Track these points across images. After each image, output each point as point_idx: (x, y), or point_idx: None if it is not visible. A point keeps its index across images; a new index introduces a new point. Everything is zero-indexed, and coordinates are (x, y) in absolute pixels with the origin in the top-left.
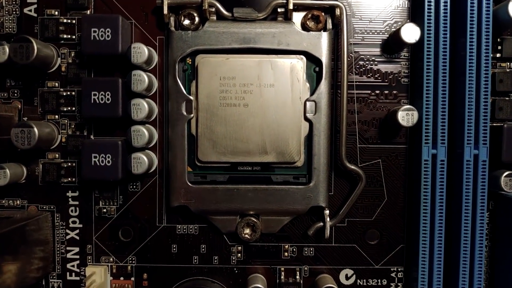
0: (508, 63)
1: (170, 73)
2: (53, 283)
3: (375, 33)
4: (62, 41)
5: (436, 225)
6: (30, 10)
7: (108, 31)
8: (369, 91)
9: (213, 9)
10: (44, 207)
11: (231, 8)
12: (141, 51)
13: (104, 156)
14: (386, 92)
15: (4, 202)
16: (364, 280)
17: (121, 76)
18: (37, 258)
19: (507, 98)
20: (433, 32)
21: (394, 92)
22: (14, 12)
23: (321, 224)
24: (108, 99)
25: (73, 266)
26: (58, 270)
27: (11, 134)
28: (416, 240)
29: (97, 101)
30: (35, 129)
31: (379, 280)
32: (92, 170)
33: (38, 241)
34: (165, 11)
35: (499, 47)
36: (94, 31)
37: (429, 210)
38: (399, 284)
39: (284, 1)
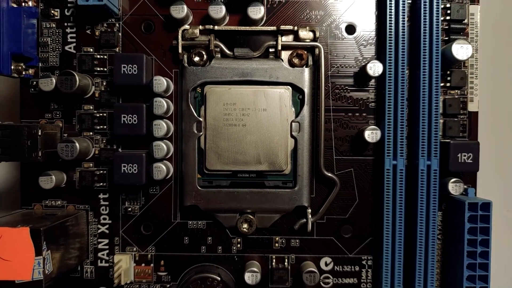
0: (457, 91)
1: (184, 99)
2: (86, 268)
3: (348, 67)
4: (96, 73)
5: (397, 222)
6: (70, 48)
7: (135, 67)
8: (343, 113)
9: (218, 49)
10: (80, 207)
11: (233, 48)
12: (160, 83)
13: (131, 165)
14: (357, 114)
15: (48, 202)
16: (340, 266)
17: (144, 101)
18: (75, 248)
19: (455, 119)
20: (393, 66)
21: (364, 114)
22: (57, 49)
23: (305, 220)
24: (135, 121)
25: (103, 254)
26: (91, 258)
27: (57, 148)
28: (381, 234)
29: (126, 122)
30: (77, 144)
31: (352, 267)
32: (121, 176)
33: (75, 234)
34: (180, 50)
35: (449, 78)
36: (124, 67)
37: (391, 209)
38: (368, 270)
39: (274, 43)
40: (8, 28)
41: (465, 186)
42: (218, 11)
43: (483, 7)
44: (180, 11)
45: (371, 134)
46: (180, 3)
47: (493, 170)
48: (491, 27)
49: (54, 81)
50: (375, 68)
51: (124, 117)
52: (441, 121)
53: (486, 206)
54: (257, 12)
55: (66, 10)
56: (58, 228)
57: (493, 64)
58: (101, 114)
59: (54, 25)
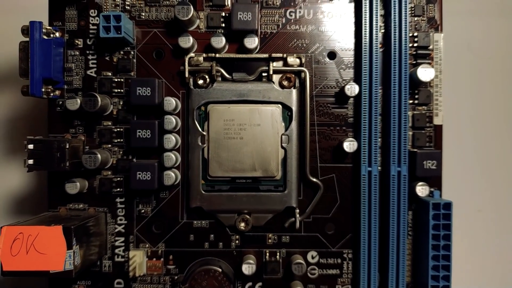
0: (423, 107)
1: (190, 116)
2: (105, 263)
3: (330, 88)
4: (114, 93)
5: (372, 220)
6: (91, 72)
7: (148, 89)
8: (326, 127)
9: (219, 73)
10: (100, 209)
11: (231, 72)
12: (170, 103)
13: (145, 173)
14: (338, 128)
15: (71, 206)
16: (324, 259)
17: (156, 117)
18: (95, 245)
19: (422, 131)
20: (368, 87)
21: (343, 128)
22: (80, 73)
23: (293, 219)
24: (148, 135)
25: (120, 251)
26: (109, 254)
27: (82, 159)
28: (359, 230)
29: (141, 136)
30: (99, 155)
31: (335, 259)
32: (137, 182)
33: (95, 233)
34: (186, 74)
35: (417, 96)
36: (139, 89)
37: (367, 209)
38: (349, 262)
39: (267, 68)
40: (40, 57)
41: (432, 189)
42: (219, 41)
43: (446, 35)
44: (187, 41)
45: (349, 145)
46: (186, 35)
47: (461, 174)
48: (453, 51)
49: (79, 101)
50: (352, 89)
51: (139, 132)
52: (410, 133)
53: (448, 205)
54: (252, 42)
55: (88, 40)
56: (83, 227)
57: (455, 83)
58: (118, 129)
59: (77, 53)
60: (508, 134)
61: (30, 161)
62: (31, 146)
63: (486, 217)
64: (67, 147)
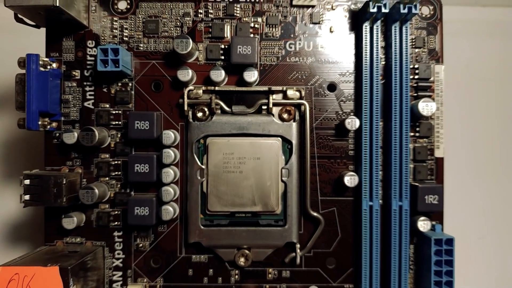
0: (425, 139)
1: (189, 149)
2: None
3: (330, 120)
4: (111, 126)
5: (374, 254)
6: (89, 104)
7: (146, 123)
8: (326, 160)
9: (218, 106)
10: (97, 243)
11: (231, 105)
12: (169, 136)
13: (143, 208)
14: (338, 160)
15: (68, 239)
16: None
17: (154, 150)
18: (93, 280)
19: (424, 164)
20: (369, 120)
21: (344, 160)
22: (78, 105)
23: (294, 254)
24: (146, 169)
25: (117, 285)
26: None
27: (79, 194)
28: (360, 265)
29: (139, 170)
30: (96, 190)
31: None
32: (134, 218)
33: (93, 268)
34: (185, 108)
35: (418, 128)
36: (137, 123)
37: (368, 244)
38: None
39: (266, 101)
40: (36, 90)
41: (433, 223)
42: (218, 75)
43: (447, 66)
44: (185, 75)
45: (350, 180)
46: (185, 68)
47: (461, 202)
48: (454, 82)
49: (76, 135)
50: (352, 123)
51: (137, 166)
52: (411, 166)
53: (450, 241)
54: (251, 76)
55: (85, 71)
56: (80, 264)
57: (456, 115)
58: (116, 162)
59: (75, 84)
60: (507, 166)
61: (27, 197)
62: (27, 181)
63: (487, 244)
64: (64, 182)
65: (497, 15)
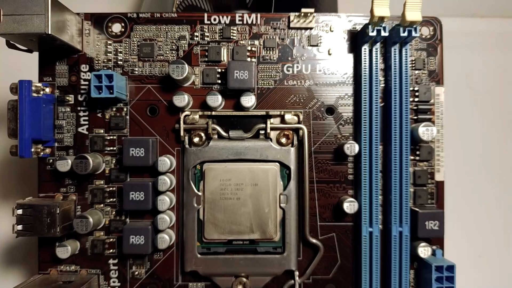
0: (425, 163)
1: (185, 176)
2: None
3: (329, 144)
4: (106, 151)
5: (374, 280)
6: (83, 129)
7: (142, 150)
8: (325, 184)
9: (215, 131)
10: (92, 271)
11: (228, 130)
12: (164, 163)
13: (139, 236)
14: (337, 185)
15: (62, 268)
16: None
17: (150, 176)
18: None
19: (424, 188)
20: (368, 144)
21: (343, 185)
22: (72, 131)
23: (293, 282)
24: (142, 197)
25: None
26: None
27: (73, 223)
28: None
29: (134, 198)
30: (90, 219)
31: None
32: (130, 247)
33: None
34: (182, 133)
35: (418, 152)
36: (132, 150)
37: (368, 270)
38: None
39: (264, 125)
40: (29, 117)
41: (434, 247)
42: (215, 100)
43: (447, 88)
44: (181, 100)
45: (350, 206)
46: (181, 93)
47: (460, 221)
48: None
49: (70, 162)
50: (351, 148)
51: (132, 194)
52: (412, 190)
53: (451, 268)
54: (248, 101)
55: (79, 96)
56: None
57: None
58: (111, 189)
59: (68, 109)
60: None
61: (19, 227)
62: (20, 211)
63: (487, 262)
64: (58, 212)
65: (496, 26)
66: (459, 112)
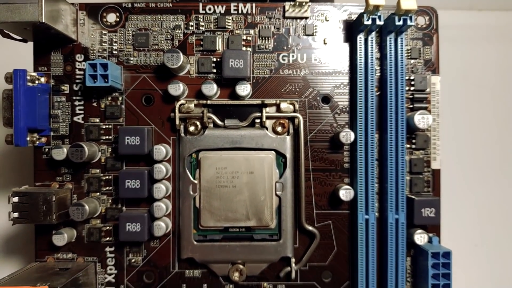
0: (421, 151)
1: (181, 164)
2: None
3: (324, 133)
4: (102, 140)
5: (370, 268)
6: (78, 119)
7: (137, 138)
8: (321, 173)
9: (211, 120)
10: (89, 259)
11: (224, 119)
12: (160, 151)
13: (135, 224)
14: (333, 173)
15: (59, 255)
16: None
17: (146, 164)
18: None
19: (420, 176)
20: (364, 132)
21: (339, 173)
22: (67, 120)
23: (289, 268)
24: (138, 185)
25: None
26: None
27: (69, 210)
28: (357, 278)
29: (130, 186)
30: (86, 207)
31: None
32: (126, 234)
33: (85, 284)
34: (177, 122)
35: (414, 140)
36: (128, 138)
37: (365, 257)
38: None
39: (260, 114)
40: (24, 106)
41: (430, 235)
42: (210, 89)
43: (444, 81)
44: (176, 89)
45: (345, 193)
46: (176, 82)
47: (457, 209)
48: (451, 90)
49: (65, 151)
50: (347, 136)
51: (128, 182)
52: (408, 178)
53: (447, 254)
54: (244, 89)
55: (74, 85)
56: (71, 282)
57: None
58: (107, 177)
59: (64, 99)
60: (504, 177)
61: (15, 214)
62: (15, 199)
63: (483, 251)
64: (54, 199)
65: (493, 19)
66: (455, 102)
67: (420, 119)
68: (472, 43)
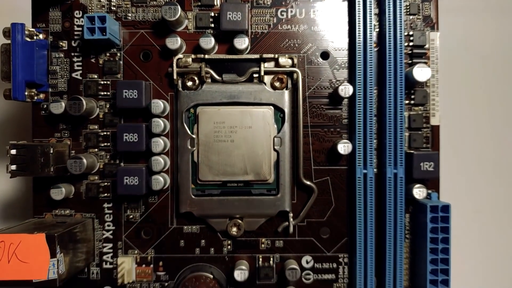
0: (420, 107)
1: (179, 119)
2: (93, 270)
3: (323, 88)
4: (100, 96)
5: (368, 223)
6: (77, 75)
7: (135, 92)
8: (319, 129)
9: (208, 75)
10: (87, 215)
11: (221, 74)
12: (158, 105)
13: (133, 178)
14: (332, 129)
15: (57, 212)
16: (320, 264)
17: (144, 120)
18: (82, 252)
19: (419, 132)
20: (362, 88)
21: (338, 129)
22: (65, 76)
23: (287, 223)
24: (136, 139)
25: (108, 257)
26: (97, 261)
27: (67, 164)
28: (355, 234)
29: (128, 140)
30: (84, 160)
31: (330, 264)
32: (124, 188)
33: (83, 240)
34: (175, 76)
35: (413, 96)
36: (125, 92)
37: (363, 212)
38: (345, 266)
39: (258, 69)
40: (22, 60)
41: (429, 191)
42: (208, 42)
43: (442, 33)
44: (174, 43)
45: (344, 147)
46: (174, 35)
47: (458, 175)
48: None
49: (63, 105)
50: (346, 90)
51: (126, 135)
52: (407, 134)
53: (446, 208)
54: (242, 43)
55: (73, 41)
56: (68, 234)
57: (452, 82)
58: (105, 133)
59: (62, 55)
60: (505, 134)
61: (13, 167)
62: (13, 152)
63: (484, 218)
64: (51, 152)
65: None
66: (455, 61)
67: (419, 72)
68: (472, 12)
